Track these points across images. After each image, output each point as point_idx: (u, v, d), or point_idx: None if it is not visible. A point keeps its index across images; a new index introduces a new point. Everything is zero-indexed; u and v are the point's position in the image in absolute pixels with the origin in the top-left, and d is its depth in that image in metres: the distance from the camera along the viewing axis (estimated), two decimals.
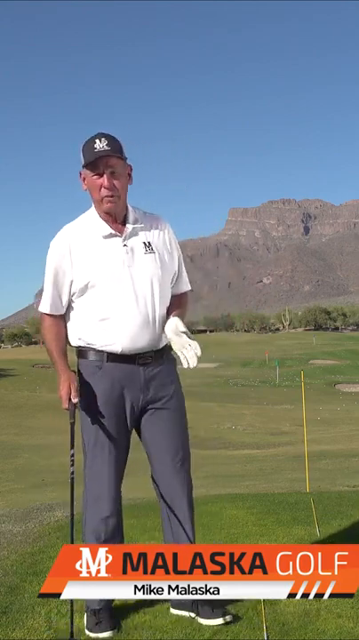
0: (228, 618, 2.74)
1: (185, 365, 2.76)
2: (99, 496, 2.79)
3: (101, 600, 2.73)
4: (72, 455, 2.73)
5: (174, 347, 2.79)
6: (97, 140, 2.68)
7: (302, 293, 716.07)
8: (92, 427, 2.79)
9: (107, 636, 2.66)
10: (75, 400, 2.71)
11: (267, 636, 2.50)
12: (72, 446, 2.73)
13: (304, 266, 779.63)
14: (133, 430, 2.91)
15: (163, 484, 2.90)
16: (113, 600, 2.81)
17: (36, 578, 3.42)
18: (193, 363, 2.74)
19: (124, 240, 2.78)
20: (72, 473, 2.73)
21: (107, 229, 2.78)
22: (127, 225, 2.79)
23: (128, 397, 2.80)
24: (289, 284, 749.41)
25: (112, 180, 2.70)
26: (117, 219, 2.79)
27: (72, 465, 2.73)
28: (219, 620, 2.73)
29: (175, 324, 2.78)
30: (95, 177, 2.71)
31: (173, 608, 2.90)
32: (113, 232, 2.78)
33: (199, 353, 2.76)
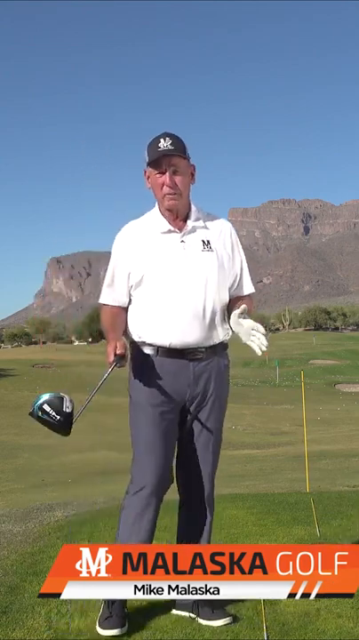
0: (229, 619, 2.74)
1: (258, 352, 2.72)
2: (143, 488, 2.79)
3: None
4: (88, 400, 2.55)
5: (243, 338, 2.76)
6: (161, 140, 2.74)
7: (302, 293, 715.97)
8: (140, 421, 2.81)
9: (113, 634, 2.64)
10: (119, 351, 2.65)
11: (267, 636, 2.50)
12: (94, 393, 2.58)
13: (304, 266, 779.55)
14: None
15: (188, 484, 2.92)
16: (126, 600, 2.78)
17: (36, 578, 3.42)
18: (264, 347, 2.72)
19: (183, 236, 2.82)
20: (88, 400, 2.55)
21: (166, 225, 2.82)
22: (188, 222, 2.84)
23: (176, 392, 2.81)
24: (289, 284, 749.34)
25: (174, 178, 2.75)
26: (179, 216, 2.84)
27: (83, 407, 2.55)
28: (220, 622, 2.73)
29: (236, 315, 2.75)
30: (158, 175, 2.77)
31: (175, 609, 2.90)
32: (171, 228, 2.82)
33: (265, 342, 2.73)
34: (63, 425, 2.45)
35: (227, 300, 2.89)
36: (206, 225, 2.88)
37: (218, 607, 2.80)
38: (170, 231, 2.82)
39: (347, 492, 6.41)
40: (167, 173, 2.74)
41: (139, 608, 2.93)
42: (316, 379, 53.39)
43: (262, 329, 2.73)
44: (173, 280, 2.76)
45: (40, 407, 2.42)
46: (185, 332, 2.76)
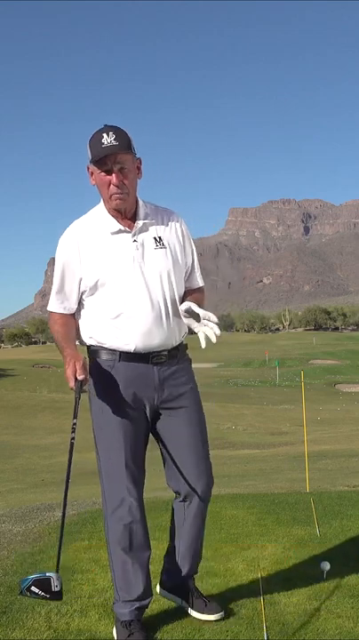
0: (221, 615, 2.74)
1: (203, 343, 2.64)
2: (121, 502, 2.66)
3: (131, 612, 2.65)
4: (74, 424, 2.58)
5: (194, 328, 2.68)
6: (104, 135, 2.56)
7: (302, 293, 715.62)
8: (107, 431, 2.69)
9: None
10: (80, 377, 2.55)
11: (267, 636, 2.50)
12: (75, 416, 2.59)
13: (304, 266, 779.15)
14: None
15: (184, 479, 2.78)
16: (143, 611, 2.72)
17: None
18: (213, 339, 2.62)
19: (134, 236, 2.70)
20: (72, 438, 2.58)
21: (116, 225, 2.69)
22: (137, 220, 2.71)
23: (142, 398, 2.70)
24: (289, 284, 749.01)
25: (121, 176, 2.59)
26: (127, 214, 2.70)
27: (73, 432, 2.57)
28: (212, 616, 2.73)
29: (188, 305, 2.67)
30: (103, 174, 2.60)
31: (163, 589, 2.88)
32: (122, 228, 2.69)
33: (217, 332, 2.65)
34: (53, 599, 2.47)
35: (183, 294, 2.80)
36: (156, 221, 2.76)
37: (211, 601, 2.80)
38: (120, 231, 2.68)
39: (346, 492, 6.40)
40: (114, 172, 2.58)
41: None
42: (316, 379, 53.41)
43: (214, 318, 2.66)
44: (131, 282, 2.64)
45: (28, 589, 2.43)
46: (148, 335, 2.65)
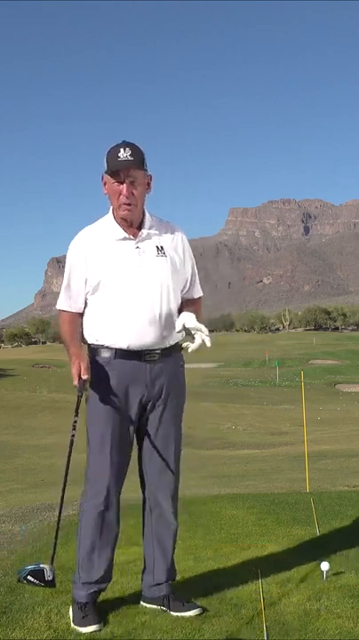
0: (199, 610, 2.83)
1: (189, 349, 2.89)
2: (100, 491, 2.87)
3: (88, 594, 2.84)
4: (75, 421, 2.84)
5: (189, 346, 2.91)
6: (121, 149, 2.81)
7: (302, 293, 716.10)
8: (98, 422, 2.88)
9: (92, 630, 2.71)
10: (84, 377, 2.81)
11: (267, 636, 2.50)
12: (76, 414, 2.85)
13: (304, 266, 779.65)
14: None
15: (150, 475, 2.99)
16: (99, 595, 2.91)
17: None
18: (193, 347, 2.88)
19: (137, 243, 2.91)
20: (73, 435, 2.84)
21: (122, 233, 2.90)
22: (142, 230, 2.93)
23: (133, 393, 2.90)
24: (289, 284, 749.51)
25: (131, 188, 2.83)
26: (133, 224, 2.93)
27: (74, 429, 2.84)
28: (191, 612, 2.81)
29: (185, 318, 2.89)
30: (116, 184, 2.84)
31: (144, 601, 2.99)
32: (127, 235, 2.91)
33: (208, 342, 2.87)
34: (47, 586, 2.86)
35: (180, 302, 3.01)
36: (159, 232, 2.98)
37: (187, 600, 2.90)
38: (125, 238, 2.90)
39: (346, 492, 6.41)
40: (125, 184, 2.82)
41: (139, 608, 2.94)
42: (316, 379, 53.43)
43: (205, 330, 2.88)
44: (130, 285, 2.85)
45: (25, 578, 2.83)
46: (142, 335, 2.86)
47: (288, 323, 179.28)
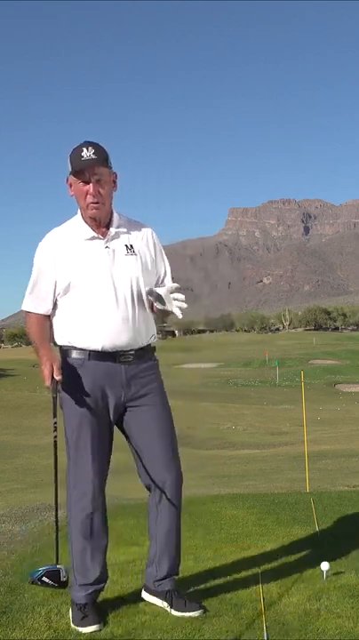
0: (201, 611, 2.81)
1: (179, 314, 2.85)
2: (85, 493, 2.86)
3: (86, 595, 2.84)
4: (55, 423, 2.89)
5: (168, 308, 2.85)
6: (84, 149, 2.80)
7: (302, 293, 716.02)
8: (75, 424, 2.87)
9: (92, 630, 2.71)
10: (57, 377, 2.79)
11: (267, 636, 2.50)
12: (54, 415, 2.89)
13: (304, 266, 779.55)
14: (115, 428, 2.99)
15: (154, 472, 2.94)
16: (97, 595, 2.91)
17: None
18: (182, 308, 2.84)
19: (106, 242, 2.89)
20: (55, 437, 2.87)
21: (90, 232, 2.89)
22: (110, 229, 2.91)
23: (109, 395, 2.88)
24: (289, 284, 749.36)
25: (97, 187, 2.81)
26: (102, 223, 2.90)
27: (55, 430, 2.87)
28: (193, 613, 2.80)
29: (149, 289, 2.87)
30: (81, 184, 2.82)
31: (146, 592, 2.98)
32: (95, 235, 2.89)
33: (182, 297, 2.84)
34: (61, 587, 2.87)
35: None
36: (128, 230, 2.95)
37: (190, 600, 2.89)
38: (94, 238, 2.88)
39: (346, 492, 6.41)
40: (91, 183, 2.80)
41: (139, 608, 2.94)
42: (316, 379, 53.40)
43: (175, 285, 2.86)
44: (100, 285, 2.83)
45: (40, 579, 2.84)
46: (115, 335, 2.84)
47: (288, 323, 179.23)
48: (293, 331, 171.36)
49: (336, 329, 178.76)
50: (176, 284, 2.85)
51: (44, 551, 4.07)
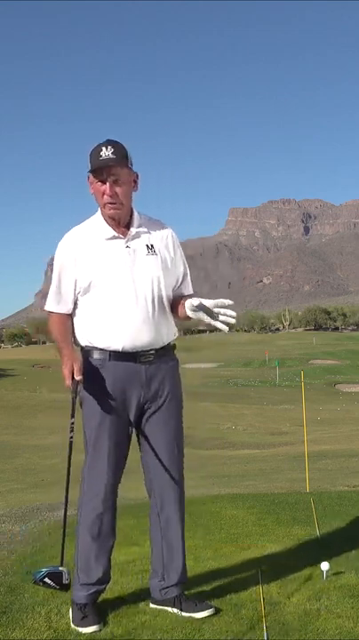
0: (212, 610, 2.81)
1: (224, 328, 2.78)
2: (97, 493, 2.86)
3: (87, 595, 2.84)
4: (72, 423, 2.84)
5: (206, 320, 2.80)
6: (103, 148, 2.77)
7: (302, 293, 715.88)
8: (94, 424, 2.85)
9: (92, 630, 2.71)
10: (77, 377, 2.78)
11: (267, 636, 2.50)
12: (72, 416, 2.83)
13: (304, 266, 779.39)
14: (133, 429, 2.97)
15: (156, 477, 2.96)
16: (98, 596, 2.90)
17: None
18: (231, 320, 2.77)
19: (127, 242, 2.87)
20: (71, 437, 2.84)
21: (111, 232, 2.86)
22: (131, 228, 2.89)
23: (129, 395, 2.86)
24: (289, 284, 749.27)
25: (114, 187, 2.79)
26: (121, 223, 2.88)
27: (71, 431, 2.84)
28: (204, 613, 2.79)
29: (190, 303, 2.79)
30: (99, 183, 2.80)
31: (154, 604, 2.96)
32: (116, 234, 2.87)
33: (233, 314, 2.77)
34: (62, 589, 2.82)
35: (171, 299, 2.96)
36: (148, 230, 2.93)
37: (200, 600, 2.89)
38: (114, 237, 2.87)
39: (347, 492, 6.41)
40: (107, 183, 2.78)
41: (139, 608, 2.94)
42: (316, 379, 53.42)
43: (227, 301, 2.78)
44: (121, 285, 2.82)
45: (42, 579, 2.79)
46: (136, 336, 2.82)
47: (288, 323, 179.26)
48: (293, 331, 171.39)
49: (336, 329, 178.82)
50: (228, 300, 2.78)
51: (44, 551, 4.07)
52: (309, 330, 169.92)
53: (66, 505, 2.87)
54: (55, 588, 2.79)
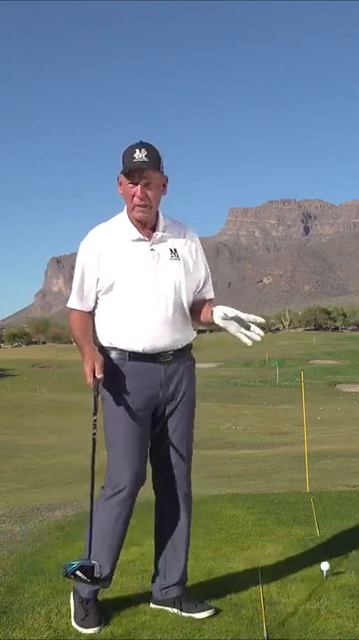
0: (212, 611, 2.82)
1: (248, 343, 2.77)
2: (117, 491, 2.86)
3: (92, 590, 2.82)
4: (94, 420, 2.83)
5: (231, 331, 2.80)
6: (137, 150, 2.78)
7: (302, 293, 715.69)
8: (115, 422, 2.87)
9: (92, 632, 2.70)
10: (99, 376, 2.79)
11: (267, 636, 2.50)
12: (94, 414, 2.85)
13: (304, 266, 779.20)
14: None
15: (164, 476, 2.99)
16: (99, 592, 2.88)
17: (36, 578, 3.42)
18: (253, 339, 2.76)
19: (152, 245, 2.89)
20: (94, 434, 2.82)
21: (136, 234, 2.88)
22: (156, 232, 2.90)
23: (148, 394, 2.89)
24: (289, 284, 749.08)
25: (145, 190, 2.80)
26: (147, 225, 2.90)
27: (94, 428, 2.82)
28: (204, 614, 2.80)
29: (222, 311, 2.79)
30: (130, 185, 2.81)
31: (154, 604, 2.96)
32: (141, 237, 2.88)
33: (261, 332, 2.78)
34: (93, 584, 2.73)
35: (191, 303, 2.97)
36: (172, 234, 2.95)
37: (200, 601, 2.89)
38: (139, 239, 2.88)
39: (346, 492, 6.41)
40: (139, 186, 2.79)
41: (139, 608, 2.94)
42: (316, 379, 53.37)
43: (260, 319, 2.78)
44: (144, 287, 2.83)
45: (73, 572, 2.67)
46: (156, 338, 2.85)
47: (288, 323, 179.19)
48: (293, 331, 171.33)
49: (336, 329, 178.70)
50: (261, 319, 2.79)
51: (44, 551, 4.07)
52: (309, 330, 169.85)
53: (91, 501, 2.86)
54: (86, 582, 2.72)
